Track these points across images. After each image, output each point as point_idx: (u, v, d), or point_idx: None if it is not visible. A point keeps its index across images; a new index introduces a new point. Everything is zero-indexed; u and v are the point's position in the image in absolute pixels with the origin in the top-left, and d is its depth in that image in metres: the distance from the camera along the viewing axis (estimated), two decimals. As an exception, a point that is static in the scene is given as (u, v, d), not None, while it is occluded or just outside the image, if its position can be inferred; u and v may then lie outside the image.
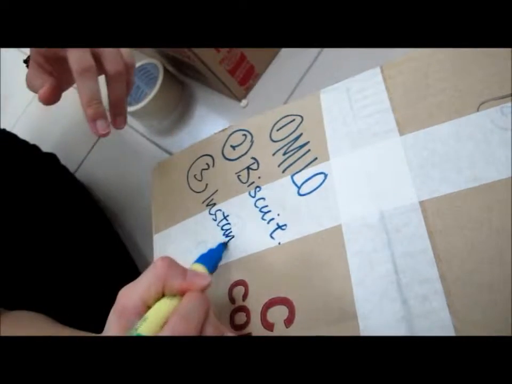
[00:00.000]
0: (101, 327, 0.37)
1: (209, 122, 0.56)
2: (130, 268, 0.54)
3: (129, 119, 0.40)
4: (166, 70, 0.55)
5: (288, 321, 0.32)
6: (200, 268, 0.32)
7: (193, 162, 0.44)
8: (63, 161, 0.62)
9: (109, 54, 0.36)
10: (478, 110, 0.33)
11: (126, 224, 0.60)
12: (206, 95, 0.59)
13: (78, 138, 0.71)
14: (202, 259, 0.34)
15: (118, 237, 0.57)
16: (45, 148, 0.61)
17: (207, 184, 0.42)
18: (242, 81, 0.54)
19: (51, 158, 0.61)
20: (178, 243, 0.41)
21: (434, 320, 0.28)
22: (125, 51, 0.38)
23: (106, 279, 0.49)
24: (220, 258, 0.36)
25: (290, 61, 0.51)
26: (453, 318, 0.28)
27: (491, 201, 0.29)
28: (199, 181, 0.42)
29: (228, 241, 0.38)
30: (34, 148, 0.59)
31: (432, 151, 0.33)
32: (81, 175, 0.67)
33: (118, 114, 0.39)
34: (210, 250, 0.36)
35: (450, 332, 0.27)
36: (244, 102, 0.52)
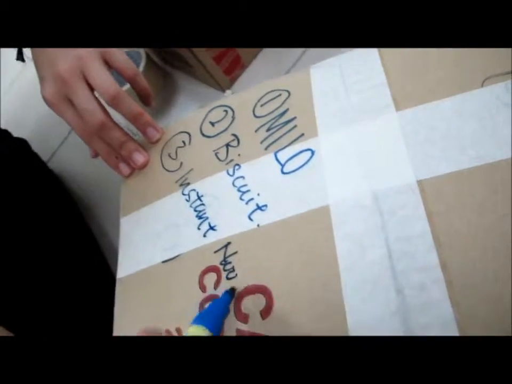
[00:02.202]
0: (68, 319, 0.34)
1: (192, 112, 0.53)
2: (99, 261, 0.51)
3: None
4: (149, 59, 0.53)
5: (265, 313, 0.28)
6: (200, 331, 0.26)
7: (168, 140, 0.40)
8: (35, 149, 0.60)
9: (98, 80, 0.36)
10: (482, 86, 0.30)
11: (97, 217, 0.57)
12: (189, 85, 0.57)
13: (52, 127, 0.68)
14: (201, 319, 0.27)
15: (88, 229, 0.55)
16: (18, 135, 0.58)
17: (181, 163, 0.38)
18: (228, 71, 0.52)
19: (22, 143, 0.59)
20: (147, 226, 0.37)
21: (433, 313, 0.24)
22: (124, 61, 0.37)
23: (73, 272, 0.46)
24: (226, 313, 0.29)
25: (278, 53, 0.49)
26: (455, 312, 0.24)
27: (496, 182, 0.26)
28: (174, 159, 0.38)
29: (234, 288, 0.30)
30: (5, 132, 0.57)
31: (432, 128, 0.29)
32: (54, 165, 0.64)
33: (145, 128, 0.40)
34: (212, 305, 0.30)
35: (452, 327, 0.24)
36: (228, 92, 0.50)
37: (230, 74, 0.52)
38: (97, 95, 0.37)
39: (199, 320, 0.27)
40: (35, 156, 0.59)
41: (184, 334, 0.26)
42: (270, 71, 0.48)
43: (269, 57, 0.50)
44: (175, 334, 0.31)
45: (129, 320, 0.34)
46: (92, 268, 0.49)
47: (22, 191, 0.50)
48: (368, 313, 0.26)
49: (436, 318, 0.24)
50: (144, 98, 0.41)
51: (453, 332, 0.23)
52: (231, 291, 0.30)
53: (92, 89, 0.36)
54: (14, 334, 0.38)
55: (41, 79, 0.37)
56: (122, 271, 0.36)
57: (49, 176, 0.59)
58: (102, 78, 0.35)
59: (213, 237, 0.33)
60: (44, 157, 0.63)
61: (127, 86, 0.47)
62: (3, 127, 0.57)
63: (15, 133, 0.58)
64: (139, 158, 0.39)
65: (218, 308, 0.29)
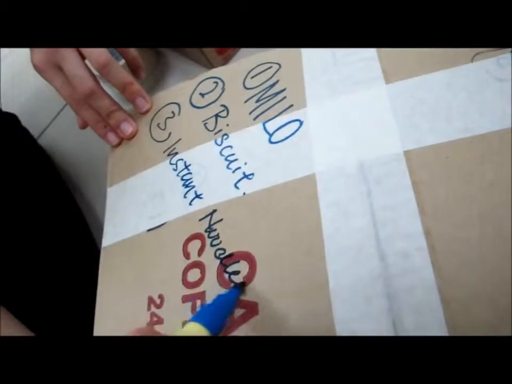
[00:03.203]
0: (55, 295, 0.34)
1: (182, 83, 0.52)
2: (86, 238, 0.50)
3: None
4: None
5: (248, 279, 0.28)
6: (197, 330, 0.23)
7: (158, 111, 0.39)
8: (26, 125, 0.59)
9: (88, 49, 0.35)
10: (472, 61, 0.30)
11: (86, 194, 0.56)
12: (182, 64, 0.56)
13: (43, 104, 0.68)
14: (202, 316, 0.24)
15: (76, 206, 0.54)
16: (9, 110, 0.57)
17: (170, 133, 0.37)
18: (221, 50, 0.51)
19: (11, 117, 0.58)
20: (134, 196, 0.36)
21: (415, 278, 0.24)
22: None
23: (59, 248, 0.46)
24: (231, 309, 0.27)
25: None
26: (436, 277, 0.24)
27: (484, 153, 0.26)
28: (162, 130, 0.38)
29: (244, 283, 0.28)
30: None
31: (421, 100, 0.29)
32: (44, 141, 0.63)
33: (134, 97, 0.39)
34: (217, 300, 0.26)
35: (433, 293, 0.24)
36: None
37: (222, 54, 0.51)
38: (88, 64, 0.37)
39: (199, 316, 0.24)
40: (25, 131, 0.58)
41: (177, 332, 0.24)
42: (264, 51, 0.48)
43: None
44: (157, 301, 0.31)
45: (112, 288, 0.34)
46: (78, 244, 0.48)
47: (10, 165, 0.49)
48: (351, 278, 0.26)
49: (417, 282, 0.24)
50: (135, 70, 0.40)
51: (433, 294, 0.23)
52: (240, 285, 0.28)
53: (82, 57, 0.36)
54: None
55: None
56: (107, 240, 0.36)
57: (38, 152, 0.58)
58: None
59: (198, 205, 0.32)
60: (35, 133, 0.62)
61: (122, 61, 0.46)
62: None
63: (6, 108, 0.58)
64: (127, 127, 0.39)
65: (224, 304, 0.26)
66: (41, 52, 0.36)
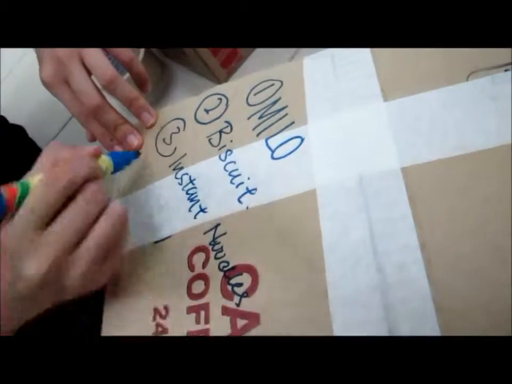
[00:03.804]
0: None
1: (187, 99, 0.54)
2: None
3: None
4: (147, 50, 0.54)
5: (251, 291, 0.29)
6: (106, 162, 0.33)
7: (164, 126, 0.41)
8: (33, 137, 0.60)
9: (95, 64, 0.36)
10: (467, 80, 0.31)
11: None
12: (186, 77, 0.58)
13: (50, 115, 0.69)
14: (112, 154, 0.35)
15: None
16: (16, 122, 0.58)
17: (175, 148, 0.39)
18: (225, 63, 0.53)
19: (18, 129, 0.59)
20: (140, 208, 0.38)
21: (411, 289, 0.25)
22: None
23: None
24: (127, 163, 0.37)
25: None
26: (431, 289, 0.25)
27: (477, 170, 0.27)
28: (168, 144, 0.39)
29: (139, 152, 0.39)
30: (1, 118, 0.57)
31: (417, 118, 0.30)
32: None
33: (140, 112, 0.41)
34: (123, 153, 0.38)
35: (428, 303, 0.25)
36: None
37: (227, 67, 0.53)
38: (94, 80, 0.38)
39: (111, 154, 0.35)
40: (31, 142, 0.59)
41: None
42: (268, 64, 0.49)
43: (266, 51, 0.51)
44: (163, 311, 0.32)
45: (119, 298, 0.35)
46: None
47: (15, 176, 0.50)
48: (349, 289, 0.26)
49: (413, 292, 0.25)
50: (140, 84, 0.42)
51: (428, 304, 0.24)
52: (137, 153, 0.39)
53: (89, 73, 0.37)
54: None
55: (40, 61, 0.38)
56: (114, 251, 0.37)
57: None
58: (100, 62, 0.36)
59: (203, 218, 0.34)
60: (42, 144, 0.63)
61: (127, 75, 0.48)
62: (1, 113, 0.58)
63: (13, 120, 0.59)
64: (133, 140, 0.40)
65: (124, 157, 0.37)
66: (49, 68, 0.37)
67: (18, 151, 0.54)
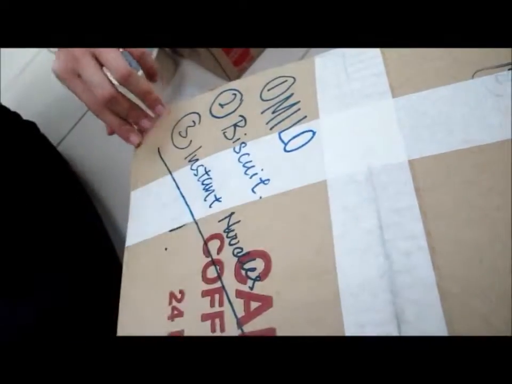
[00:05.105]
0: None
1: (202, 94, 0.55)
2: (106, 246, 0.52)
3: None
4: (161, 48, 0.55)
5: (263, 275, 0.31)
6: None
7: (179, 120, 0.42)
8: (46, 133, 0.61)
9: (110, 60, 0.38)
10: (472, 78, 0.32)
11: (105, 201, 0.59)
12: (199, 74, 0.59)
13: (63, 113, 0.70)
14: None
15: (96, 213, 0.56)
16: (29, 118, 0.60)
17: (191, 141, 0.40)
18: (237, 62, 0.54)
19: (31, 126, 0.60)
20: (156, 198, 0.39)
21: (416, 275, 0.27)
22: None
23: (79, 255, 0.47)
24: None
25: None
26: (435, 274, 0.26)
27: (482, 162, 0.29)
28: (184, 137, 0.41)
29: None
30: (14, 115, 0.58)
31: (424, 113, 0.32)
32: (64, 149, 0.66)
33: (154, 105, 0.42)
34: None
35: (432, 288, 0.26)
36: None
37: (238, 66, 0.54)
38: (108, 75, 0.40)
39: None
40: (43, 139, 0.60)
41: None
42: (277, 64, 0.49)
43: (277, 51, 0.52)
44: (178, 295, 0.34)
45: (135, 284, 0.36)
46: (97, 249, 0.50)
47: (29, 172, 0.51)
48: (358, 276, 0.28)
49: (418, 278, 0.26)
50: (150, 76, 0.43)
51: (433, 290, 0.26)
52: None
53: (100, 64, 0.38)
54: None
55: (56, 55, 0.39)
56: (131, 239, 0.39)
57: (57, 159, 0.61)
58: (113, 57, 0.37)
59: (218, 207, 0.35)
60: (54, 140, 0.64)
61: (140, 72, 0.49)
62: (14, 109, 0.59)
63: (26, 117, 0.60)
64: (146, 123, 0.42)
65: None
66: (61, 60, 0.38)
67: (30, 147, 0.55)
